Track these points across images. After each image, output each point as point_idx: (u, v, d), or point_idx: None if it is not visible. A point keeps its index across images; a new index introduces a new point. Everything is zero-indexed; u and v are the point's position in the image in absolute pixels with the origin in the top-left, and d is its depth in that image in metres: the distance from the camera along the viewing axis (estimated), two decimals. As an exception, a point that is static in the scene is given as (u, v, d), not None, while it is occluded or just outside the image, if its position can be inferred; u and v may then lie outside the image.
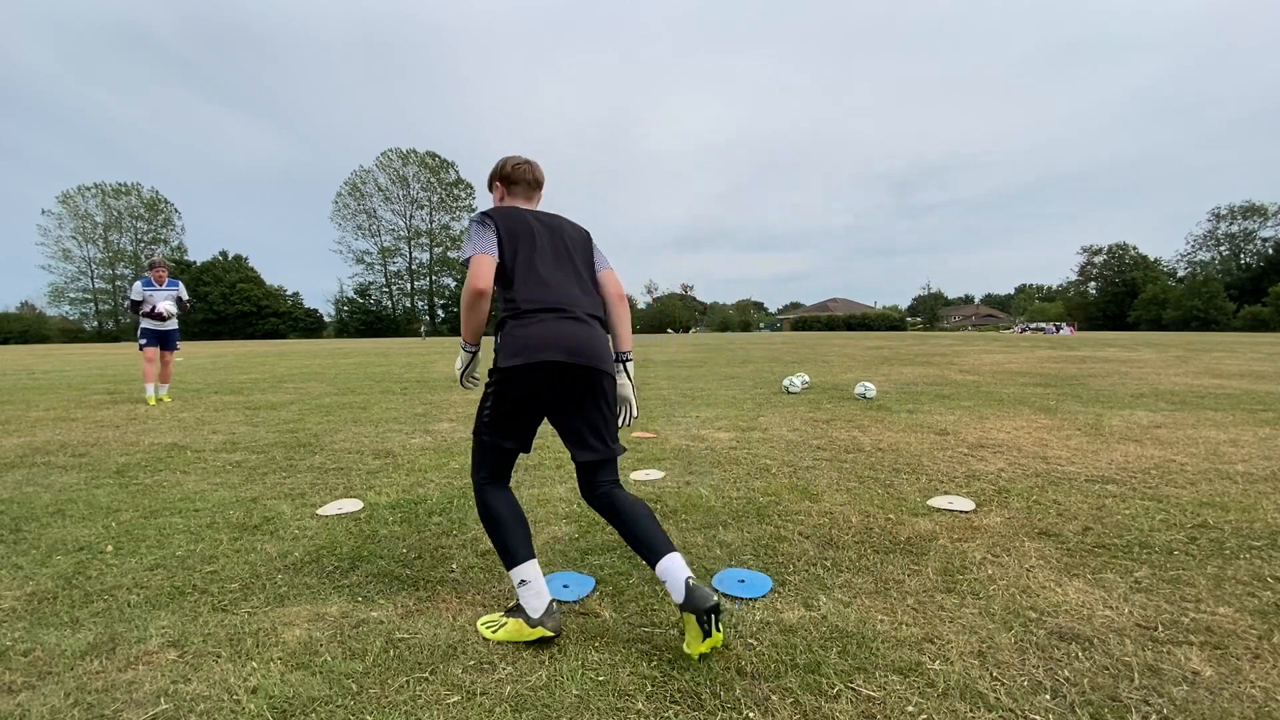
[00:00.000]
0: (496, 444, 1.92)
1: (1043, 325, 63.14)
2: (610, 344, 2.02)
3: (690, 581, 1.68)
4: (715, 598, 1.64)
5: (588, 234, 2.16)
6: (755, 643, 1.73)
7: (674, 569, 1.71)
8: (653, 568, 1.75)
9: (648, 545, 1.79)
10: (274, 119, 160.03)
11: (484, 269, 1.85)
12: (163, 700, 1.52)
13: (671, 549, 1.77)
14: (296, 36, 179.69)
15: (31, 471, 3.90)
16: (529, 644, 1.74)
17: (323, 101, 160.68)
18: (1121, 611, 1.87)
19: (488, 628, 1.83)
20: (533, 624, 1.75)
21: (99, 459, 4.24)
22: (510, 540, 1.86)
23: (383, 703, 1.49)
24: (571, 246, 2.05)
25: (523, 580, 1.81)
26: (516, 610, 1.81)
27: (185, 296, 7.57)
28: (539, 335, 1.83)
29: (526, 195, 2.18)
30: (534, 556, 1.86)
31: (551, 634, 1.74)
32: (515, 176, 2.17)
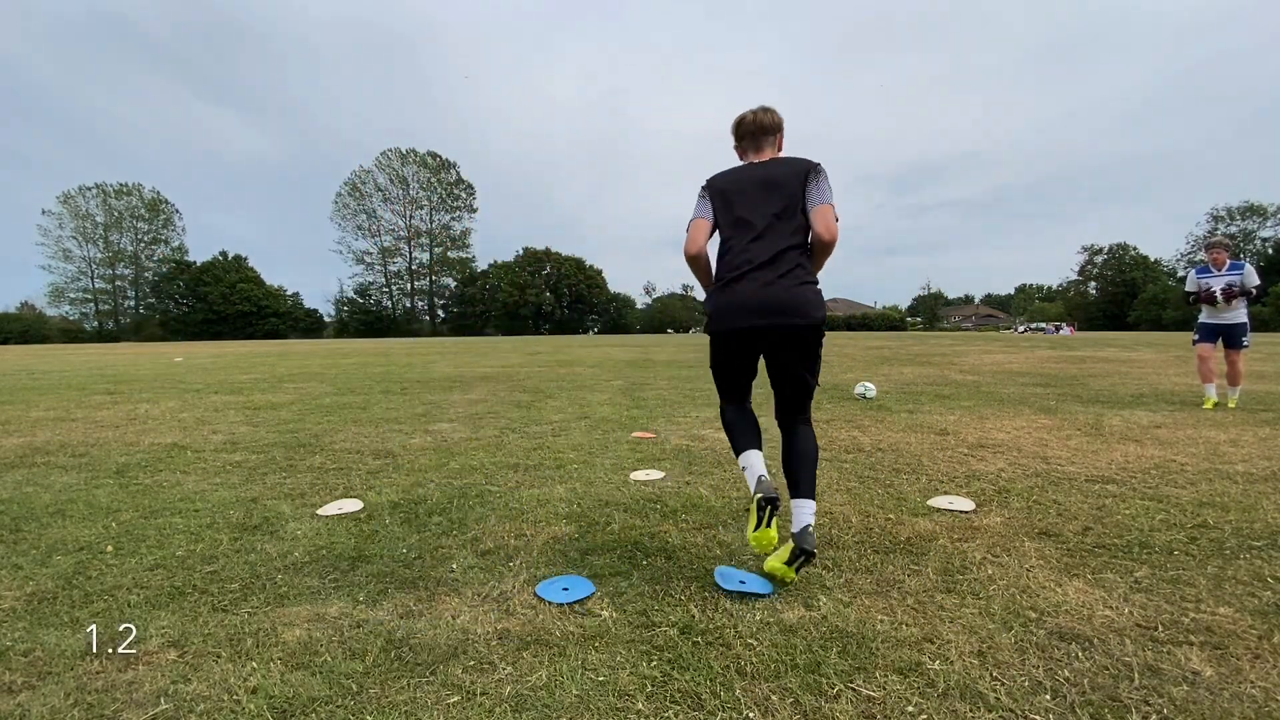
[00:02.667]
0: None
1: (1043, 325, 63.12)
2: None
3: (807, 529, 2.09)
4: (814, 545, 2.06)
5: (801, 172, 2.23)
6: (755, 643, 1.73)
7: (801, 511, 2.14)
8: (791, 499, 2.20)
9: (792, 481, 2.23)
10: (274, 118, 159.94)
11: (695, 234, 2.28)
12: (163, 700, 1.52)
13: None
14: (296, 36, 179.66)
15: (31, 471, 3.90)
16: (530, 643, 1.74)
17: (323, 101, 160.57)
18: (1121, 611, 1.87)
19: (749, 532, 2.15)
20: (752, 496, 2.15)
21: (99, 459, 4.24)
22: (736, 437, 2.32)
23: (383, 703, 1.49)
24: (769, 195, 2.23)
25: (742, 466, 2.27)
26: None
27: None
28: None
29: (754, 147, 2.35)
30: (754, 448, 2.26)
31: (762, 496, 2.09)
32: (738, 131, 2.38)
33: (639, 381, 9.35)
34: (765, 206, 2.18)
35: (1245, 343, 6.07)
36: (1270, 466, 3.60)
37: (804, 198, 2.16)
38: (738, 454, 2.30)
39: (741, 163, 2.36)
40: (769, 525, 2.07)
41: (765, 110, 2.33)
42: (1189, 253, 73.21)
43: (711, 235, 2.31)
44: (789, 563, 2.06)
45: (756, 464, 2.20)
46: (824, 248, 2.17)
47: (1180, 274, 70.93)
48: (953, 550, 2.36)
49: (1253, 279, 5.94)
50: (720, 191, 2.27)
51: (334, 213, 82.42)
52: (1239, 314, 6.06)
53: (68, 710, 1.48)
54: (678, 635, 1.77)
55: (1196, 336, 6.32)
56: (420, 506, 3.03)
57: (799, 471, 2.20)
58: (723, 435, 4.81)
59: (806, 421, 2.30)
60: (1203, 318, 6.25)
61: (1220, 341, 6.17)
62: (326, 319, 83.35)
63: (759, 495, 2.09)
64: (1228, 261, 6.09)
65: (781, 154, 2.36)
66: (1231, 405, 5.98)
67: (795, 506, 2.15)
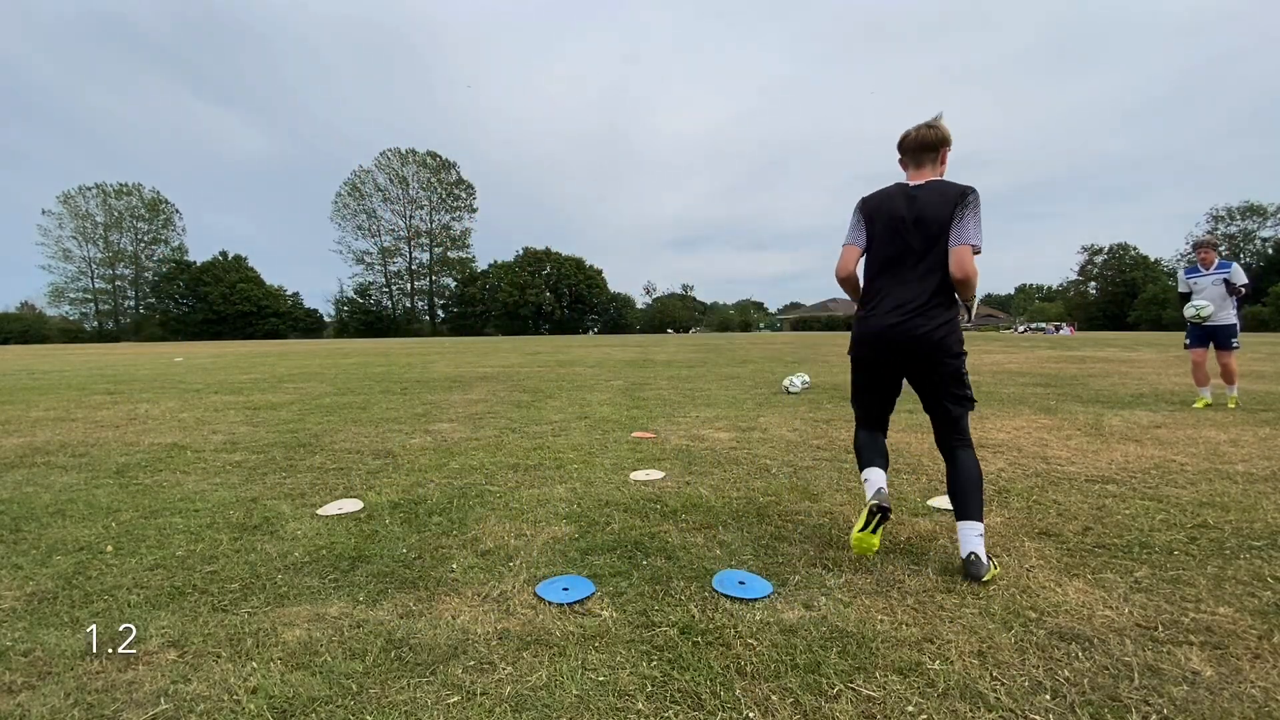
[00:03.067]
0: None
1: (1043, 325, 63.16)
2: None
3: (972, 556, 2.11)
4: (984, 574, 2.08)
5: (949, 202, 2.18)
6: (755, 643, 1.73)
7: (967, 534, 2.17)
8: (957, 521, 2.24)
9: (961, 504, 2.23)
10: (274, 118, 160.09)
11: (845, 258, 2.36)
12: (163, 700, 1.52)
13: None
14: (296, 36, 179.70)
15: (31, 471, 3.90)
16: (530, 643, 1.74)
17: (323, 101, 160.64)
18: (1121, 611, 1.87)
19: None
20: (867, 500, 2.25)
21: (99, 459, 4.24)
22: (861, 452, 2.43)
23: (383, 703, 1.49)
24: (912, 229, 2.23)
25: (864, 478, 2.34)
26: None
27: None
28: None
29: (915, 164, 2.30)
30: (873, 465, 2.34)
31: (876, 504, 2.17)
32: (900, 147, 2.32)
33: (639, 381, 9.35)
34: (909, 239, 2.20)
35: (1235, 344, 6.08)
36: (1270, 466, 3.60)
37: (947, 232, 2.14)
38: (861, 469, 2.37)
39: (901, 179, 2.32)
40: (874, 532, 2.15)
41: (930, 126, 2.25)
42: (1189, 253, 73.03)
43: (860, 258, 2.35)
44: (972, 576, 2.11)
45: (877, 478, 2.27)
46: (960, 286, 2.19)
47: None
48: (953, 550, 2.36)
49: (1239, 277, 5.96)
50: (870, 217, 2.31)
51: (334, 213, 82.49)
52: (1228, 316, 6.07)
53: (68, 710, 1.48)
54: (678, 635, 1.77)
55: (1188, 341, 6.35)
56: (420, 506, 3.03)
57: (965, 496, 2.21)
58: (722, 435, 4.81)
59: (967, 445, 2.32)
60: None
61: (1211, 345, 6.18)
62: (326, 319, 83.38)
63: (873, 502, 2.16)
64: (1216, 260, 6.10)
65: (943, 170, 2.30)
66: (1231, 405, 5.98)
67: (961, 529, 2.19)
